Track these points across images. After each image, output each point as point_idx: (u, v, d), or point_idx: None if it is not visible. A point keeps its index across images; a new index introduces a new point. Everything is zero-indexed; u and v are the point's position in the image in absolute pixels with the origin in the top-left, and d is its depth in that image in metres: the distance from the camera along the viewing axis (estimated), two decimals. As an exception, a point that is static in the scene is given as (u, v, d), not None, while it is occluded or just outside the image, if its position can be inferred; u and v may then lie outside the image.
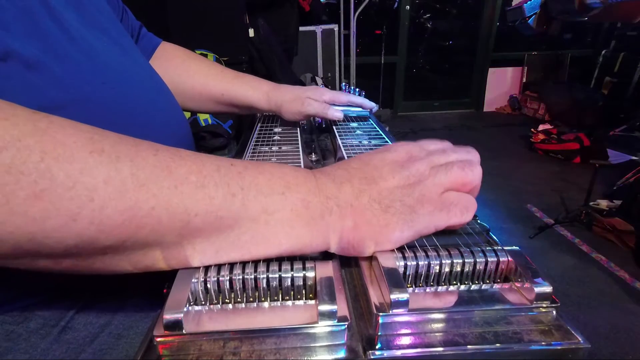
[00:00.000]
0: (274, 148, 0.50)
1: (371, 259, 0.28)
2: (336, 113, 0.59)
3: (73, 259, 0.23)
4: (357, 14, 2.97)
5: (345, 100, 0.62)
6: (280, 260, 0.26)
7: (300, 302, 0.25)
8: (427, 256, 0.26)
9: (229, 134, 1.82)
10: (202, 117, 1.77)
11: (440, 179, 0.28)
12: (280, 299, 0.25)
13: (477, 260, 0.26)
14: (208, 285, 0.25)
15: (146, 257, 0.25)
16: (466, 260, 0.26)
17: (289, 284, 0.25)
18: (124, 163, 0.22)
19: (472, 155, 0.31)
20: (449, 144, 0.33)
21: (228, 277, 0.25)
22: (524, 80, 3.94)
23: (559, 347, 0.22)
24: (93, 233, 0.22)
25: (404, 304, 0.23)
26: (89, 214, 0.21)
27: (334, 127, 0.58)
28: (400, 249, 0.27)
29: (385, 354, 0.22)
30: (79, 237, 0.21)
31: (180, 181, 0.24)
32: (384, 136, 0.54)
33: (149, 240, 0.24)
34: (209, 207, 0.24)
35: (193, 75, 0.60)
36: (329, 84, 2.86)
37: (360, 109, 0.64)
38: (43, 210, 0.20)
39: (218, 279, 0.25)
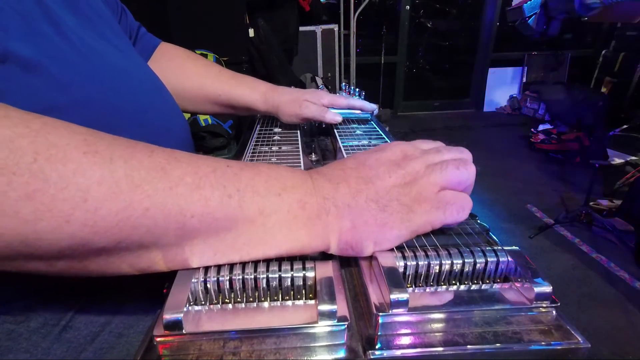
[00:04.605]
0: (274, 148, 0.50)
1: (371, 258, 0.28)
2: (334, 117, 0.58)
3: (67, 261, 0.23)
4: (357, 14, 2.97)
5: (344, 104, 0.61)
6: (280, 260, 0.26)
7: (300, 302, 0.25)
8: (427, 256, 0.26)
9: (229, 134, 1.83)
10: (202, 117, 1.78)
11: (436, 178, 0.28)
12: (280, 299, 0.25)
13: (477, 260, 0.26)
14: (208, 285, 0.25)
15: (143, 259, 0.25)
16: (466, 260, 0.26)
17: (289, 284, 0.25)
18: (118, 164, 0.22)
19: (465, 154, 0.31)
20: (441, 143, 0.33)
21: (228, 277, 0.25)
22: (524, 80, 3.94)
23: (558, 347, 0.22)
24: (87, 234, 0.21)
25: (403, 303, 0.23)
26: (82, 215, 0.21)
27: (334, 128, 0.58)
28: (400, 249, 0.27)
29: (385, 353, 0.22)
30: (73, 238, 0.21)
31: (175, 182, 0.24)
32: (384, 136, 0.54)
33: (144, 242, 0.23)
34: (205, 209, 0.24)
35: (191, 77, 0.60)
36: (329, 84, 2.86)
37: (360, 112, 0.63)
38: (35, 211, 0.20)
39: (218, 279, 0.25)
